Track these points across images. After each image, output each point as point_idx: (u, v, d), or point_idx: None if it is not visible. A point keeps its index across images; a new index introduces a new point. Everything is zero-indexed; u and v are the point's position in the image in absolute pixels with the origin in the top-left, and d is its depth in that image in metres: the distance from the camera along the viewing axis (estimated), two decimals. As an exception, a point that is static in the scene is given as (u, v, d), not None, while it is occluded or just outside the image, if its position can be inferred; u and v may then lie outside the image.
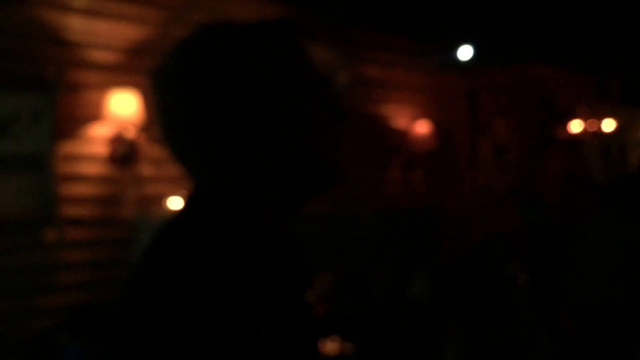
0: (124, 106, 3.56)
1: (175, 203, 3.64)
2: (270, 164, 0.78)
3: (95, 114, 3.61)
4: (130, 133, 3.67)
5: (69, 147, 3.55)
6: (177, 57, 0.79)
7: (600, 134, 6.24)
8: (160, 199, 3.75)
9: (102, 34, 3.67)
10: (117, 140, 3.67)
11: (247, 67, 0.77)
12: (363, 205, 4.59)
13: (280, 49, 0.81)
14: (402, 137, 5.21)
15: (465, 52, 4.99)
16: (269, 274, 0.77)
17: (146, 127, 3.70)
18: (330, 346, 4.26)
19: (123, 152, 3.68)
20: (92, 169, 3.64)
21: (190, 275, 0.68)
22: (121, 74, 3.69)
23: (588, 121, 6.18)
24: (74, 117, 3.58)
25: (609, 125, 6.19)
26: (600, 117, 6.18)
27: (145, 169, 3.80)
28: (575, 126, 6.28)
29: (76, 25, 3.58)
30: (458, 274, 4.43)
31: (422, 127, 5.14)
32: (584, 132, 6.25)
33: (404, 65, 5.23)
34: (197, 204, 0.81)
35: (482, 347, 3.38)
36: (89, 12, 3.61)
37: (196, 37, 0.80)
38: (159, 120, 0.81)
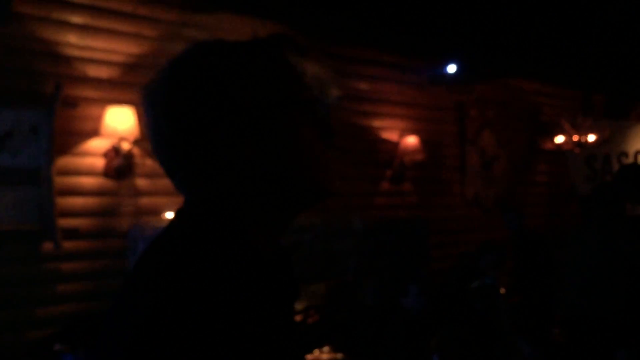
0: (120, 121, 3.63)
1: (171, 215, 3.71)
2: (259, 180, 0.79)
3: (92, 129, 3.68)
4: (127, 147, 3.75)
5: (66, 161, 3.62)
6: (169, 74, 0.80)
7: (585, 145, 6.36)
8: (155, 211, 3.83)
9: (99, 50, 3.74)
10: (114, 154, 3.74)
11: (237, 85, 0.78)
12: (354, 216, 4.66)
13: (271, 66, 0.81)
14: (393, 150, 5.30)
15: (453, 68, 5.11)
16: (259, 289, 0.76)
17: (142, 141, 3.78)
18: (322, 356, 4.32)
19: (119, 166, 3.75)
20: (89, 182, 3.71)
21: (178, 292, 0.66)
22: (117, 89, 3.77)
23: (573, 133, 6.31)
24: (71, 132, 3.65)
25: (593, 137, 6.31)
26: (585, 129, 6.31)
27: (141, 182, 3.88)
28: (561, 138, 6.40)
29: (73, 41, 3.65)
30: (446, 283, 4.51)
31: (411, 140, 5.23)
32: (569, 144, 6.38)
33: (394, 80, 5.34)
34: (185, 218, 0.80)
35: (464, 356, 3.44)
36: (86, 29, 3.69)
37: (187, 55, 0.81)
38: (150, 135, 0.81)
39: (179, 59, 0.81)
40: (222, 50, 0.81)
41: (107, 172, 3.76)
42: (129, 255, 3.74)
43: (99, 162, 3.74)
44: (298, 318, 4.32)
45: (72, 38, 3.65)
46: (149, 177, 3.88)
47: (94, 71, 3.73)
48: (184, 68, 0.79)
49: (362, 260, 4.58)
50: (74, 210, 3.65)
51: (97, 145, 3.73)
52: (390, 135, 5.32)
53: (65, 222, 3.59)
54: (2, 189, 3.35)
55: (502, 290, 4.21)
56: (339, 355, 4.29)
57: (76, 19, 3.66)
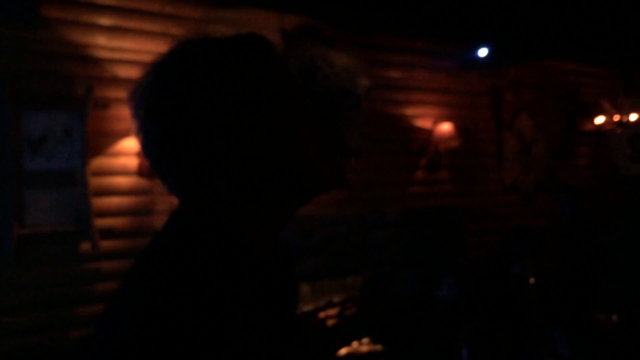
0: (151, 120, 3.65)
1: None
2: (251, 178, 0.77)
3: (124, 129, 3.72)
4: (158, 145, 3.77)
5: (100, 162, 3.67)
6: (154, 76, 0.79)
7: (627, 125, 6.16)
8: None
9: (128, 51, 3.77)
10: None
11: (222, 82, 0.76)
12: (389, 207, 4.61)
13: (256, 61, 0.79)
14: (427, 138, 5.22)
15: (484, 51, 4.99)
16: (250, 292, 0.74)
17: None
18: (361, 348, 4.30)
19: (152, 164, 3.78)
20: (123, 181, 3.75)
21: (170, 299, 0.66)
22: (147, 88, 3.79)
23: (614, 113, 6.12)
24: (104, 133, 3.69)
25: (635, 116, 6.11)
26: (627, 109, 6.10)
27: (174, 180, 3.90)
28: (601, 119, 6.21)
29: (103, 43, 3.69)
30: (479, 272, 4.42)
31: (445, 127, 5.15)
32: (611, 124, 6.18)
33: (426, 66, 5.26)
34: (178, 221, 0.80)
35: (494, 348, 3.36)
36: (114, 30, 3.72)
37: (171, 56, 0.80)
38: (139, 138, 0.80)
39: (163, 61, 0.80)
40: (205, 49, 0.79)
41: (141, 171, 3.79)
42: (165, 253, 3.78)
43: (133, 162, 3.78)
44: (334, 311, 4.31)
45: (101, 40, 3.69)
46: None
47: (123, 72, 3.76)
48: (168, 69, 0.78)
49: (398, 251, 4.53)
50: (110, 210, 3.70)
51: (130, 145, 3.76)
52: (424, 122, 5.24)
53: (102, 222, 3.64)
54: (39, 191, 3.42)
55: (532, 280, 4.09)
56: (378, 347, 4.27)
57: (104, 20, 3.69)
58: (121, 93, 3.74)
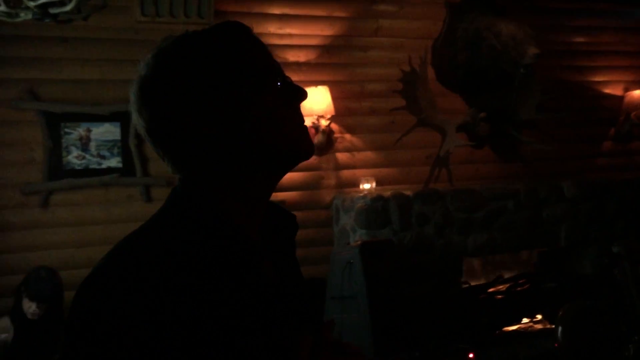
0: (316, 100, 3.90)
1: (367, 185, 3.92)
2: (229, 155, 0.84)
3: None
4: (325, 124, 4.00)
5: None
6: (137, 75, 0.87)
7: None
8: (354, 183, 4.05)
9: (296, 36, 4.04)
10: (314, 131, 4.00)
11: (194, 68, 0.84)
12: (565, 180, 4.36)
13: (225, 47, 0.86)
14: (616, 106, 4.84)
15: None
16: (229, 261, 0.80)
17: (338, 117, 4.02)
18: (535, 326, 4.17)
19: (320, 142, 4.01)
20: (293, 158, 4.04)
21: (159, 279, 0.73)
22: (314, 70, 4.05)
23: None
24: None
25: None
26: None
27: (341, 156, 4.11)
28: None
29: (273, 31, 4.00)
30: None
31: (639, 93, 4.73)
32: None
33: (612, 28, 4.84)
34: (174, 200, 0.87)
35: (591, 332, 3.03)
36: (283, 17, 4.01)
37: (151, 53, 0.87)
38: (139, 124, 0.88)
39: (145, 59, 0.89)
40: (178, 42, 0.88)
41: (310, 149, 4.04)
42: (333, 224, 4.02)
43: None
44: (503, 287, 4.22)
45: (272, 28, 3.99)
46: (348, 151, 4.11)
47: (292, 56, 4.05)
48: (147, 65, 0.87)
49: (576, 226, 4.28)
50: (282, 185, 4.01)
51: (300, 123, 4.03)
52: (613, 89, 4.86)
53: (274, 196, 3.95)
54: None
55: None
56: (552, 327, 4.10)
57: (274, 10, 3.99)
58: (292, 76, 4.00)
